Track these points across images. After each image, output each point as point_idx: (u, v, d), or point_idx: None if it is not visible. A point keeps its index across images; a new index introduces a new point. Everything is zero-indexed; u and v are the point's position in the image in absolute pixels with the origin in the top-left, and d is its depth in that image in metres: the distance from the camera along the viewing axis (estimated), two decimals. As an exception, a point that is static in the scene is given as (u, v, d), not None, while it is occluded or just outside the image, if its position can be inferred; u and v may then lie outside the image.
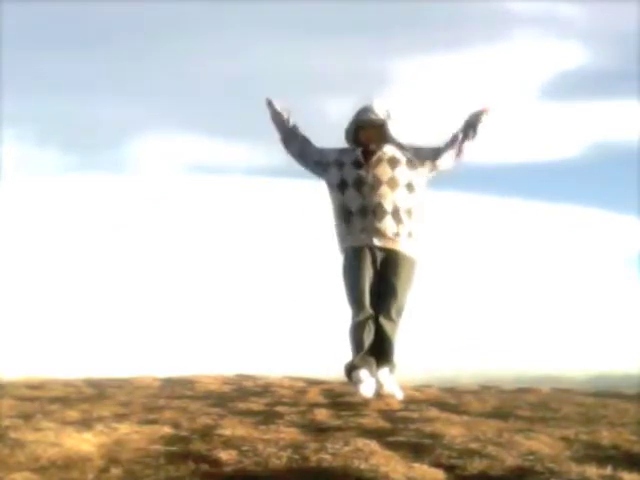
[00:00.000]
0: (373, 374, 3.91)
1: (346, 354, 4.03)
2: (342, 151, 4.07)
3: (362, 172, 3.94)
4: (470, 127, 4.04)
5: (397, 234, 3.93)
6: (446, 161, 4.05)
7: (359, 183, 3.93)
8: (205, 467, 2.11)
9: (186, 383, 5.17)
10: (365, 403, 3.67)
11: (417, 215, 4.02)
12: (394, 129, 3.96)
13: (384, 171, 3.94)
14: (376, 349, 3.94)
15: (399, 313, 3.99)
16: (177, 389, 4.77)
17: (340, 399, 3.90)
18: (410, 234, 3.98)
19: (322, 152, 4.10)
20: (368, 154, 3.97)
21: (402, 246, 3.96)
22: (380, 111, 3.96)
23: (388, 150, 3.98)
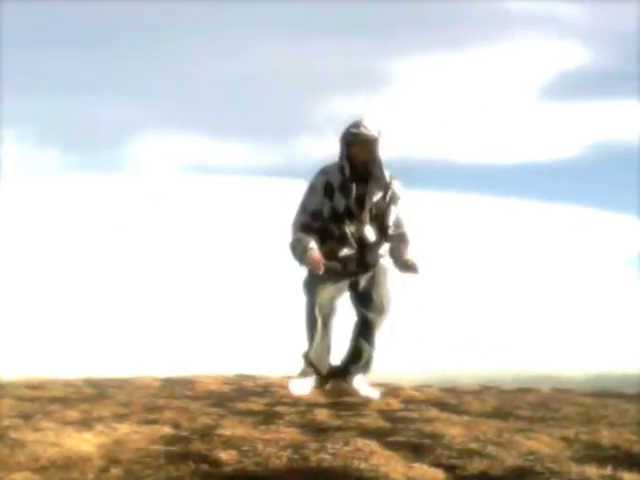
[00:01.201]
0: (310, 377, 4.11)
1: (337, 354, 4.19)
2: (332, 196, 4.01)
3: (350, 226, 3.99)
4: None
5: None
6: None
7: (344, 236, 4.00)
8: (205, 467, 2.11)
9: (186, 383, 5.16)
10: (365, 403, 3.67)
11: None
12: (383, 148, 3.96)
13: (368, 226, 4.01)
14: (352, 356, 4.11)
15: (380, 319, 4.09)
16: (177, 389, 4.76)
17: (340, 399, 3.90)
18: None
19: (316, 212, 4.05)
20: (358, 182, 3.97)
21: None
22: (373, 127, 3.95)
23: (377, 203, 3.99)
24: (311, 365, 4.12)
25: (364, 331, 4.08)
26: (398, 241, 4.04)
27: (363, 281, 4.09)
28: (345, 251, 4.02)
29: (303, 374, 4.13)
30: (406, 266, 3.96)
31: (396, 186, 4.04)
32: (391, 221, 4.04)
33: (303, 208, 4.06)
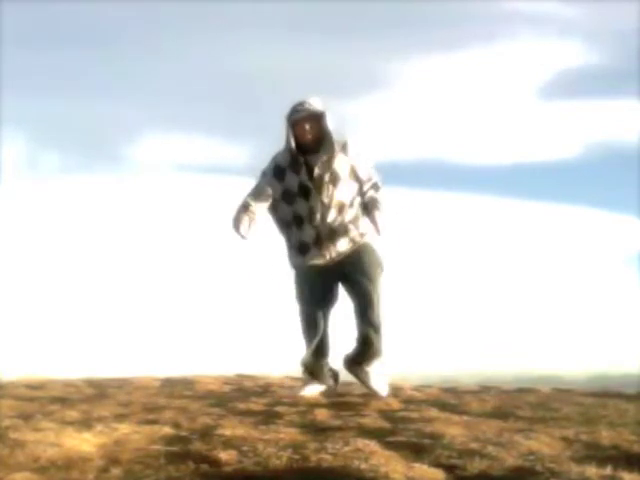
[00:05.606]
0: (321, 377, 4.10)
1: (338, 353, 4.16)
2: (283, 176, 3.91)
3: (311, 202, 3.85)
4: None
5: (350, 236, 3.90)
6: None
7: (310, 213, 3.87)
8: (205, 467, 2.11)
9: (186, 383, 5.16)
10: (365, 403, 3.67)
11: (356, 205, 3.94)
12: (331, 122, 3.85)
13: (330, 194, 3.84)
14: (362, 351, 3.97)
15: (378, 313, 3.92)
16: (177, 389, 4.76)
17: (340, 399, 3.90)
18: (358, 225, 3.94)
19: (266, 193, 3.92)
20: (310, 166, 3.85)
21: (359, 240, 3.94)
22: (317, 104, 3.86)
23: (335, 166, 3.85)
24: (308, 372, 4.12)
25: (363, 318, 3.92)
26: (370, 203, 3.86)
27: (347, 265, 3.91)
28: (308, 235, 3.90)
29: (306, 381, 4.13)
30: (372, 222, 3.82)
31: (353, 143, 3.91)
32: (363, 175, 3.89)
33: (253, 189, 3.96)
